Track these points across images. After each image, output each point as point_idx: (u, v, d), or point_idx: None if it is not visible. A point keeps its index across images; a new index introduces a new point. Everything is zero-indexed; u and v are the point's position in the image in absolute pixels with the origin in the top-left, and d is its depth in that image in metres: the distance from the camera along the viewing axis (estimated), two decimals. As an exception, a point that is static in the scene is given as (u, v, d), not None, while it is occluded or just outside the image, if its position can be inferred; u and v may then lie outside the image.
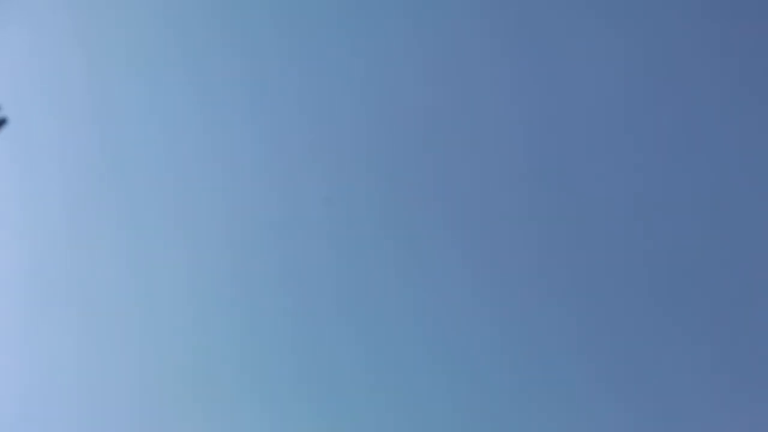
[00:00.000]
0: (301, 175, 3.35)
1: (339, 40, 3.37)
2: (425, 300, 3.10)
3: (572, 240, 2.95)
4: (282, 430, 3.22)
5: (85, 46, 3.81)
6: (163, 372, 3.44)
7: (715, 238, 2.80)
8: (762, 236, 2.74)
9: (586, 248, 2.94)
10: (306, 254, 3.30)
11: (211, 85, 3.56)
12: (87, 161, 3.71)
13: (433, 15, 3.23)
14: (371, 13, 3.34)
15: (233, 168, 3.47)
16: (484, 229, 3.06)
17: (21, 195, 3.81)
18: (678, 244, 2.84)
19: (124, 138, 3.67)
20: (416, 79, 3.23)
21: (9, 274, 3.77)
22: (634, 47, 2.97)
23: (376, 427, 3.09)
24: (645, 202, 2.89)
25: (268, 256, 3.35)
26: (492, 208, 3.06)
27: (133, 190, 3.62)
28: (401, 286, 3.15)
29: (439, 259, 3.11)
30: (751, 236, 2.76)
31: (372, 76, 3.30)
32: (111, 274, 3.59)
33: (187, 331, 3.43)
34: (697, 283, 2.80)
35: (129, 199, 3.62)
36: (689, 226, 2.83)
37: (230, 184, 3.46)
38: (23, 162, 3.85)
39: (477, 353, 3.01)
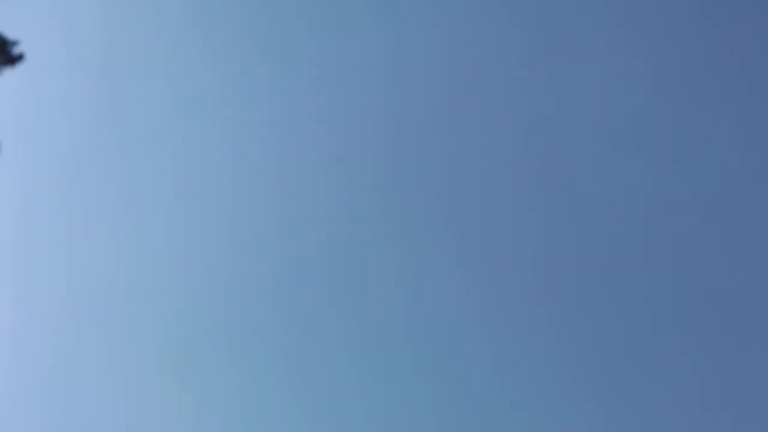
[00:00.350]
0: (302, 171, 3.35)
1: (349, 36, 3.38)
2: (420, 300, 3.10)
3: (572, 242, 2.96)
4: (275, 428, 3.22)
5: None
6: (148, 362, 3.44)
7: (715, 239, 2.81)
8: (762, 236, 2.75)
9: (586, 251, 2.94)
10: (302, 252, 3.30)
11: (226, 59, 3.57)
12: (94, 107, 3.75)
13: (446, 12, 3.24)
14: (383, 9, 3.34)
15: (237, 156, 3.47)
16: (484, 230, 3.06)
17: (26, 133, 3.84)
18: (677, 245, 2.84)
19: (132, 90, 3.69)
20: (419, 79, 3.24)
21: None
22: (639, 49, 2.98)
23: (373, 427, 3.09)
24: (644, 205, 2.90)
25: (263, 253, 3.35)
26: (492, 208, 3.06)
27: (135, 146, 3.63)
28: (396, 285, 3.15)
29: (438, 260, 3.11)
30: (751, 237, 2.77)
31: (378, 75, 3.30)
32: (106, 245, 3.59)
33: (176, 320, 3.43)
34: (696, 285, 2.81)
35: (130, 152, 3.63)
36: (690, 227, 2.84)
37: (232, 173, 3.47)
38: (32, 101, 3.89)
39: (472, 354, 3.01)
